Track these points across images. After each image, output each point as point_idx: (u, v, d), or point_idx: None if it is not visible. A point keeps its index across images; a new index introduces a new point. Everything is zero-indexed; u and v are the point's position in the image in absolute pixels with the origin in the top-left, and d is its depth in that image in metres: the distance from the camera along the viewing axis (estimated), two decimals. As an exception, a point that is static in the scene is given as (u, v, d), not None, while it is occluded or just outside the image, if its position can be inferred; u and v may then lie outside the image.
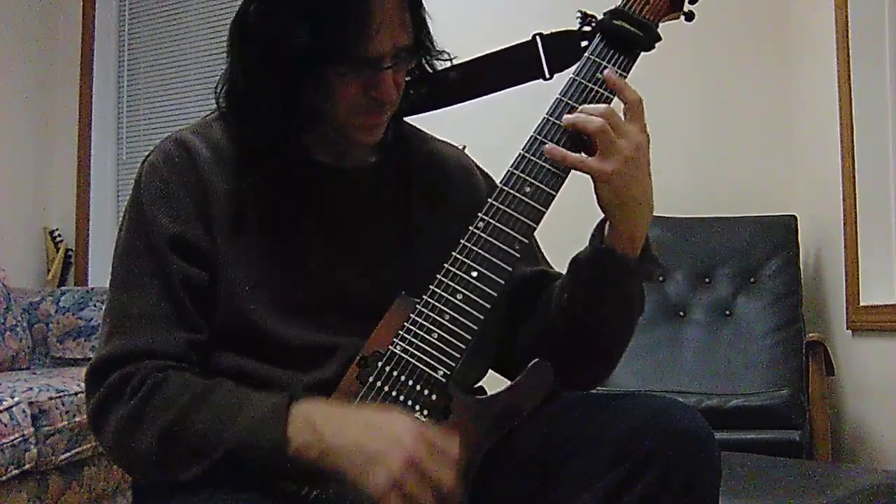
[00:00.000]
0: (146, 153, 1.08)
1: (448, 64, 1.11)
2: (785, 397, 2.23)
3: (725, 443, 2.04)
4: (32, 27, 3.76)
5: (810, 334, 2.45)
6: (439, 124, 1.19)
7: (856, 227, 2.40)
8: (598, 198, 0.99)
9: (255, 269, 1.02)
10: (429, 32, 1.06)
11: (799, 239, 2.68)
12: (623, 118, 0.99)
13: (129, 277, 1.01)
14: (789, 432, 2.14)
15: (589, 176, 0.98)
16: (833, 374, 2.40)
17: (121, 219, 1.08)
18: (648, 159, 0.99)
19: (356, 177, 1.10)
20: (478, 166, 1.22)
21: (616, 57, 1.04)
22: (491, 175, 1.19)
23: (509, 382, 0.99)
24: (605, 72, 1.02)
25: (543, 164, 1.00)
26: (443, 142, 1.22)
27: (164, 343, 0.98)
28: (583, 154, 0.99)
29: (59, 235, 3.72)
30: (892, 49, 2.39)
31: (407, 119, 1.16)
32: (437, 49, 1.08)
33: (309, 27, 0.95)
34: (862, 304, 2.39)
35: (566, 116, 1.00)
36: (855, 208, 2.40)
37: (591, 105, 1.00)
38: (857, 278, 2.40)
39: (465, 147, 1.25)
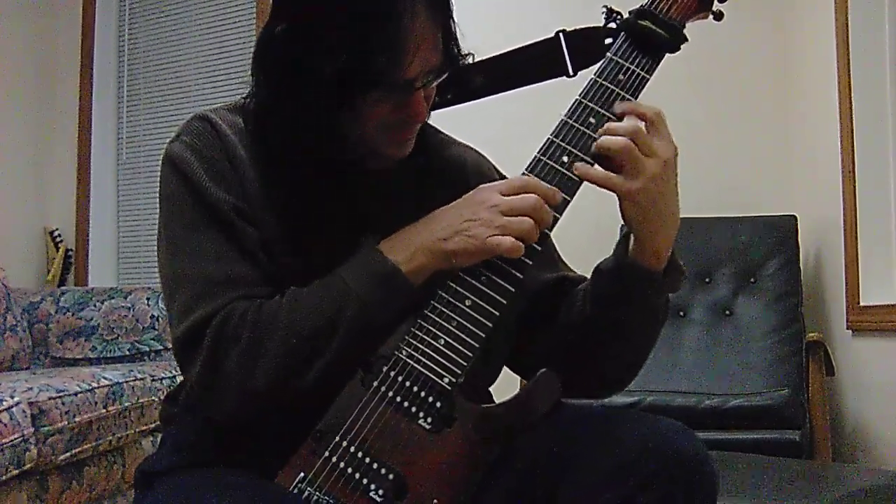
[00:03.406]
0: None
1: (471, 60, 1.09)
2: (785, 397, 2.23)
3: (725, 443, 2.07)
4: (32, 27, 3.75)
5: (810, 334, 2.45)
6: (449, 118, 1.18)
7: (856, 227, 2.40)
8: (623, 215, 0.98)
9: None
10: (457, 42, 1.04)
11: (799, 239, 2.68)
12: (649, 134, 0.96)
13: (202, 248, 0.99)
14: (789, 432, 2.14)
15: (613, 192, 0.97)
16: (833, 374, 2.40)
17: (159, 205, 1.06)
18: (676, 172, 0.97)
19: (378, 177, 1.09)
20: (497, 170, 1.21)
21: (639, 58, 1.01)
22: (508, 177, 1.18)
23: (521, 386, 0.98)
24: (616, 106, 0.99)
25: (560, 168, 0.98)
26: (464, 145, 1.21)
27: (252, 295, 0.97)
28: (603, 170, 0.97)
29: (59, 235, 3.71)
30: (892, 49, 2.39)
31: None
32: (463, 54, 1.06)
33: (340, 56, 0.92)
34: (862, 304, 2.39)
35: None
36: (855, 208, 2.40)
37: (616, 124, 0.97)
38: (857, 278, 2.40)
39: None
